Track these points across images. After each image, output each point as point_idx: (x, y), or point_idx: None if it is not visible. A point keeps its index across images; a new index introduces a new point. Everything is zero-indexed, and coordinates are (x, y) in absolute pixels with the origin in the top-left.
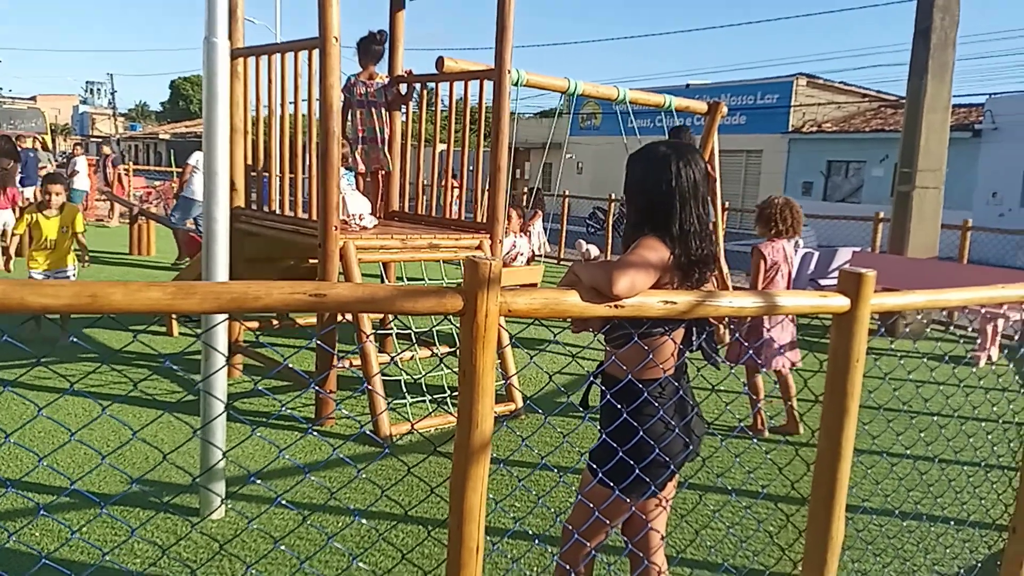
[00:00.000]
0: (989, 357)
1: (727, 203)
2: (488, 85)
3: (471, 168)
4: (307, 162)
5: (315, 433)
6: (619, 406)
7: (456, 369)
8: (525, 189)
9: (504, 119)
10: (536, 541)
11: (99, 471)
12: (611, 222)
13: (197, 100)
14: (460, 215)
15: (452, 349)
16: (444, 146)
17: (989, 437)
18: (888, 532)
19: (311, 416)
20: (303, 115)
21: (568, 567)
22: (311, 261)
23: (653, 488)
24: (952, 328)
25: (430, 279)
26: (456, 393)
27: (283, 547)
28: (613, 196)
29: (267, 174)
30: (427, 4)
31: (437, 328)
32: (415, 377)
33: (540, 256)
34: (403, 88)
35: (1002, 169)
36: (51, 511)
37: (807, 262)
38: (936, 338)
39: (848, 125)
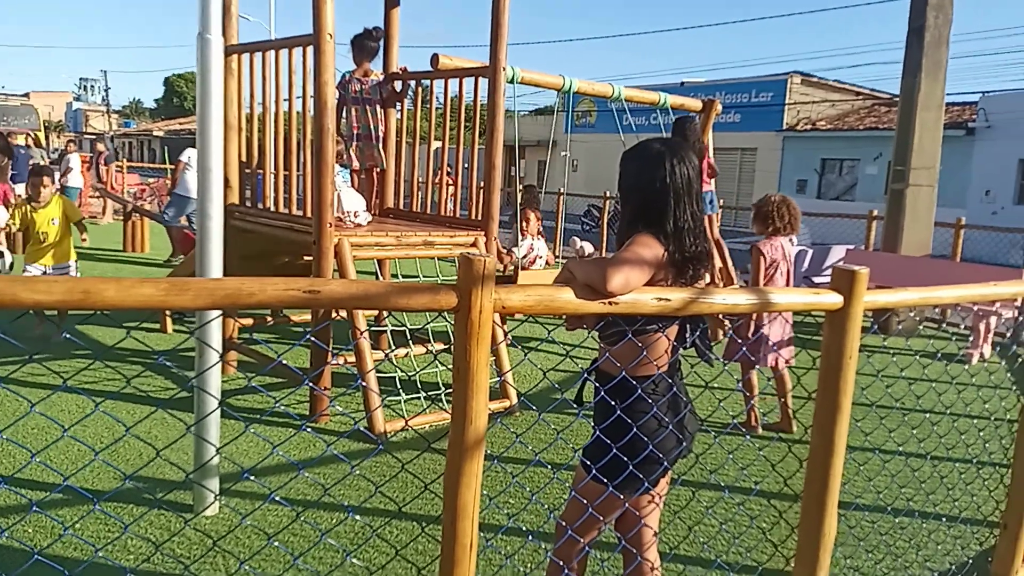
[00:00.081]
0: (982, 355)
1: (722, 200)
2: (483, 82)
3: (466, 165)
4: (301, 159)
5: (309, 430)
6: (613, 403)
7: (451, 366)
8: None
9: (499, 116)
10: (530, 537)
11: (92, 467)
12: (606, 219)
13: (191, 97)
14: (455, 212)
15: (447, 346)
16: (439, 143)
17: (981, 434)
18: (880, 528)
19: (305, 413)
20: (297, 112)
21: (562, 563)
22: (306, 258)
23: (646, 484)
24: (945, 326)
25: (425, 276)
26: (450, 390)
27: (277, 543)
28: (608, 193)
29: (261, 171)
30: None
31: (432, 325)
32: (409, 374)
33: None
34: (398, 85)
35: (995, 167)
36: (44, 507)
37: (801, 260)
38: (929, 335)
39: (842, 123)
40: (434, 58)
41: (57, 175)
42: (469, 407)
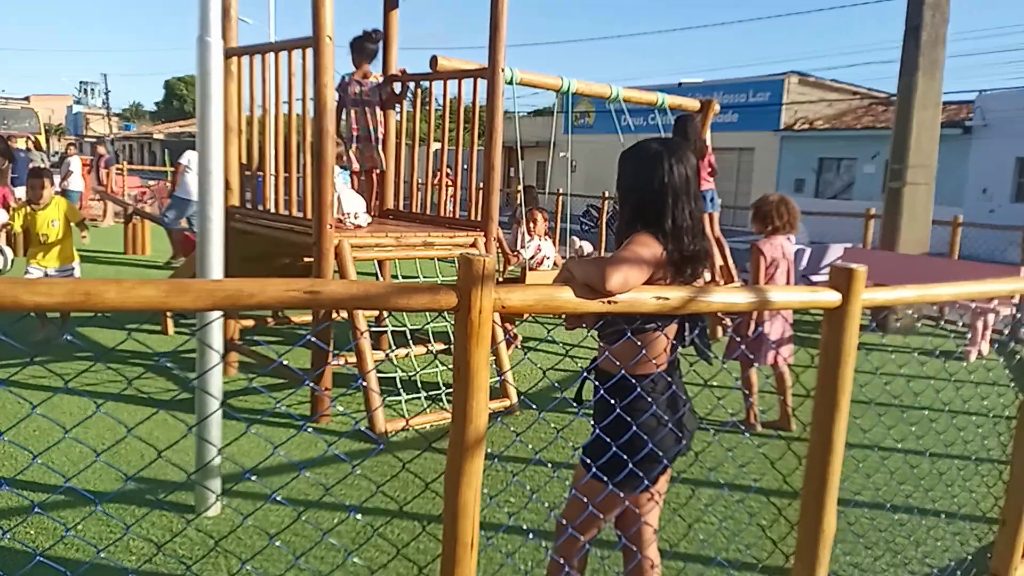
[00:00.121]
0: (979, 352)
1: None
2: (482, 84)
3: (465, 167)
4: (301, 161)
5: (310, 430)
6: (612, 401)
7: (451, 365)
8: (518, 187)
9: (498, 117)
10: (530, 536)
11: (94, 469)
12: (604, 219)
13: (191, 100)
14: (455, 213)
15: (447, 345)
16: (439, 145)
17: (979, 431)
18: (879, 525)
19: (306, 413)
20: (297, 114)
21: (562, 561)
22: (306, 259)
23: (646, 482)
24: (943, 323)
25: (425, 277)
26: (451, 389)
27: (278, 543)
28: (607, 194)
29: (261, 173)
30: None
31: (432, 326)
32: (410, 374)
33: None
34: (397, 87)
35: (992, 165)
36: (46, 509)
37: (799, 258)
38: (927, 333)
39: (839, 122)
40: (433, 60)
41: (58, 179)
42: (469, 406)
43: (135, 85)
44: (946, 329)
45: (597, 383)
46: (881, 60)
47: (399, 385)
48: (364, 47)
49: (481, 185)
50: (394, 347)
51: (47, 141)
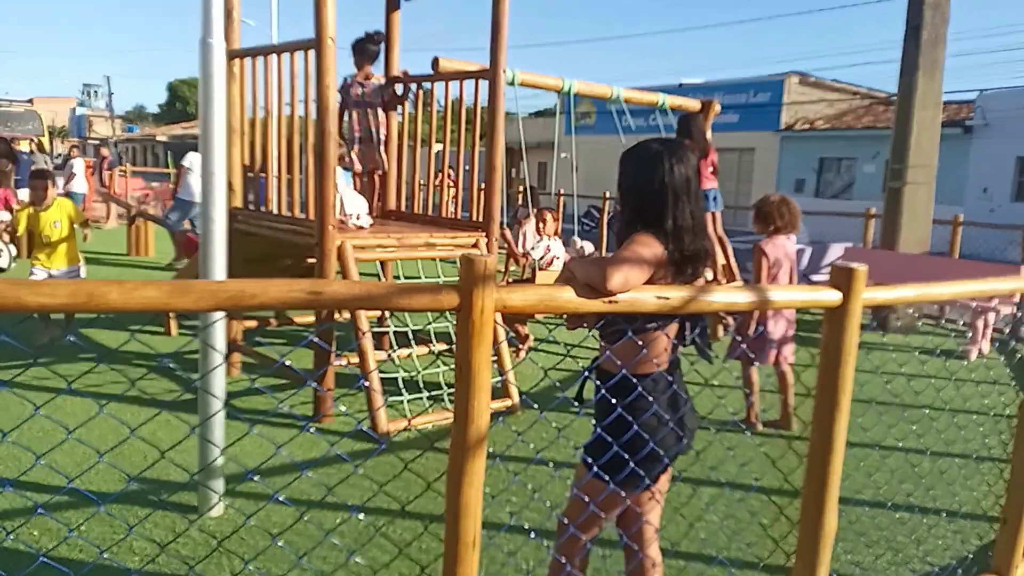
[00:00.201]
0: (980, 351)
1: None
2: (483, 85)
3: (467, 167)
4: (304, 162)
5: (313, 430)
6: (613, 401)
7: (453, 366)
8: (520, 188)
9: (499, 118)
10: (532, 535)
11: (97, 470)
12: (605, 220)
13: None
14: (456, 214)
15: (449, 346)
16: (440, 146)
17: (980, 430)
18: (880, 524)
19: (309, 413)
20: (299, 116)
21: (564, 560)
22: (309, 261)
23: (647, 481)
24: (943, 322)
25: (427, 278)
26: (453, 389)
27: (281, 543)
28: (608, 194)
29: (264, 174)
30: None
31: (434, 326)
32: (412, 374)
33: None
34: (399, 88)
35: (993, 165)
36: (49, 510)
37: (800, 258)
38: (927, 332)
39: (840, 122)
40: (434, 61)
41: (61, 181)
42: (471, 406)
43: (138, 87)
44: (947, 328)
45: (598, 382)
46: (881, 60)
47: (401, 385)
48: (366, 49)
49: (483, 186)
50: (396, 347)
51: (50, 143)
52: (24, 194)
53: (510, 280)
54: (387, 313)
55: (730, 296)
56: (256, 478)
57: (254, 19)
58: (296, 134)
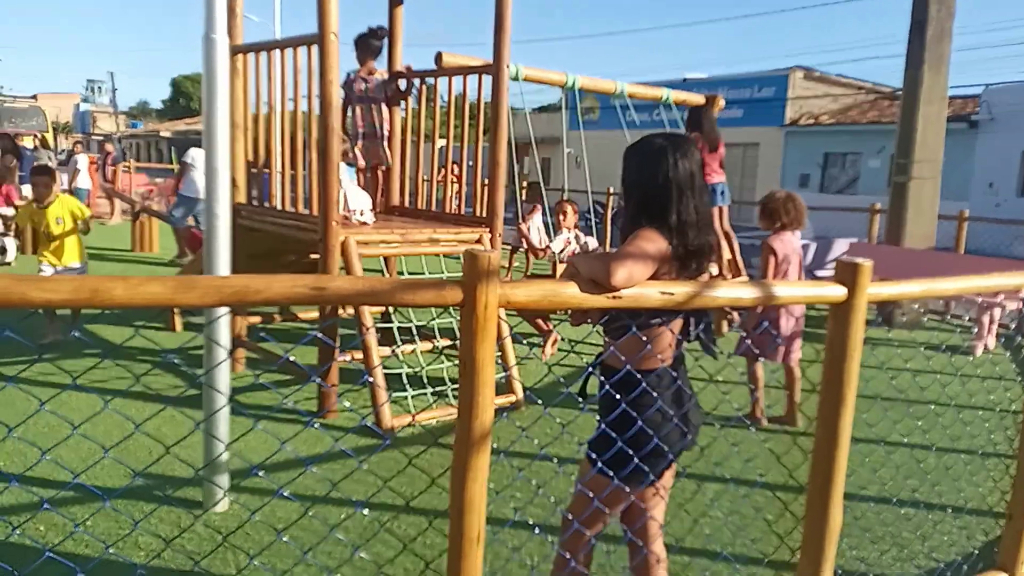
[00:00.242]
0: (986, 346)
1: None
2: (487, 80)
3: (471, 163)
4: (307, 158)
5: (317, 425)
6: (617, 396)
7: (457, 361)
8: (524, 183)
9: (503, 114)
10: (536, 531)
11: (102, 465)
12: (609, 215)
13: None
14: (460, 209)
15: (453, 342)
16: (444, 141)
17: (986, 425)
18: (885, 520)
19: (313, 409)
20: (303, 111)
21: (568, 556)
22: (313, 256)
23: (651, 477)
24: (949, 318)
25: (430, 274)
26: (457, 385)
27: (286, 538)
28: (612, 190)
29: (268, 170)
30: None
31: (438, 321)
32: (416, 370)
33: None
34: (402, 84)
35: (998, 159)
36: (54, 505)
37: (804, 254)
38: (933, 328)
39: (845, 117)
40: (438, 56)
41: (66, 177)
42: (475, 402)
43: (142, 83)
44: (952, 324)
45: (602, 378)
46: (886, 55)
47: (405, 381)
48: (369, 44)
49: (486, 181)
50: (400, 343)
51: (54, 139)
52: (28, 190)
53: (528, 275)
54: (391, 309)
55: (735, 292)
56: (261, 473)
57: (258, 15)
58: (300, 130)
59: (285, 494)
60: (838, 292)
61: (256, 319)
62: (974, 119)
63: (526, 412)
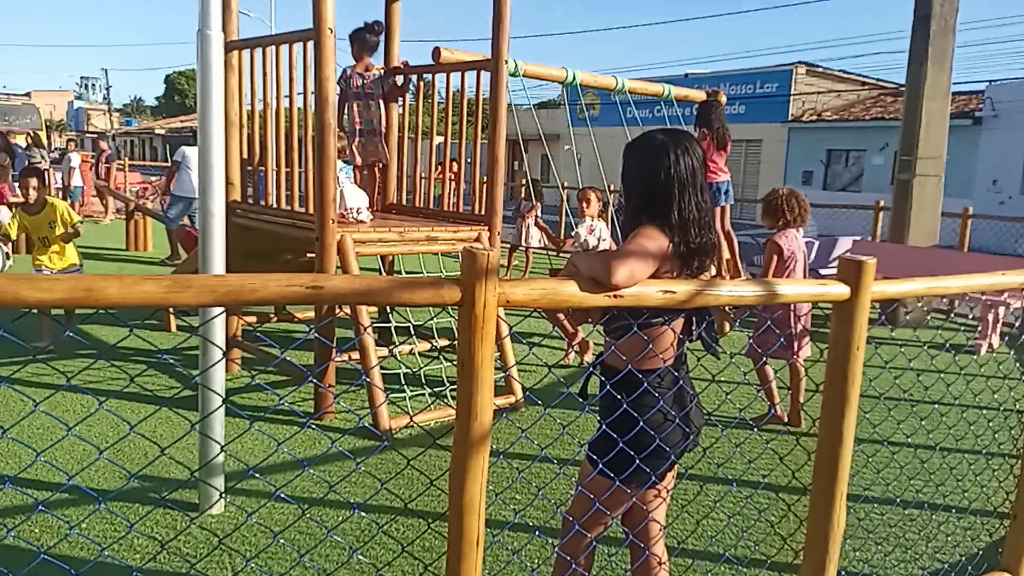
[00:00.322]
0: (990, 345)
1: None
2: (485, 76)
3: (468, 160)
4: (303, 155)
5: (314, 427)
6: (618, 397)
7: (455, 361)
8: (523, 181)
9: (501, 110)
10: (536, 533)
11: (97, 466)
12: (611, 212)
13: (192, 94)
14: (458, 207)
15: (451, 341)
16: (441, 138)
17: (990, 425)
18: (889, 520)
19: (310, 410)
20: (299, 108)
21: (569, 558)
22: (309, 255)
23: (652, 478)
24: (953, 316)
25: (428, 273)
26: (455, 386)
27: (282, 541)
28: (612, 187)
29: (263, 168)
30: None
31: (436, 321)
32: (414, 370)
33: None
34: (399, 79)
35: (1002, 157)
36: (49, 507)
37: (807, 251)
38: (937, 326)
39: (848, 114)
40: (435, 52)
41: (59, 175)
42: (474, 403)
43: (136, 80)
44: (956, 322)
45: (603, 378)
46: (890, 50)
47: (403, 381)
48: (365, 39)
49: (485, 179)
50: (398, 343)
51: (48, 137)
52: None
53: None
54: (388, 308)
55: (737, 290)
56: (257, 475)
57: (252, 10)
58: (295, 127)
59: (282, 496)
60: (841, 290)
61: (252, 319)
62: (978, 116)
63: (526, 413)
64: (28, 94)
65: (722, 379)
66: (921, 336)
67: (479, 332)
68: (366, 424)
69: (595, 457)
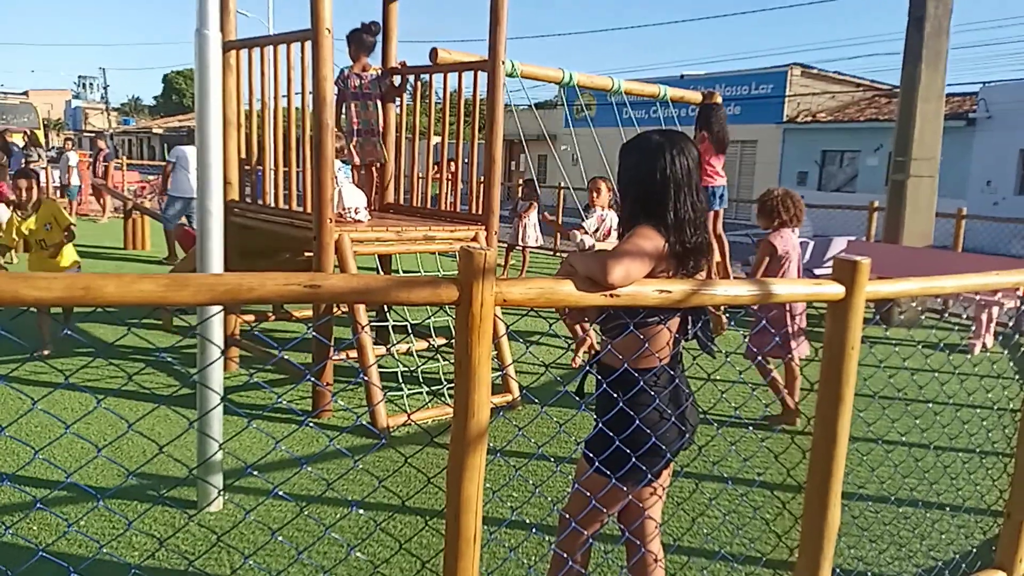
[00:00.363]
0: (984, 345)
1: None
2: (482, 77)
3: (466, 160)
4: (301, 155)
5: (312, 425)
6: (614, 395)
7: (452, 360)
8: (520, 180)
9: (498, 110)
10: (533, 530)
11: (95, 464)
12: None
13: (190, 94)
14: (455, 207)
15: (448, 340)
16: (439, 138)
17: (984, 423)
18: (884, 518)
19: (308, 408)
20: (297, 108)
21: (565, 555)
22: (307, 254)
23: (648, 476)
24: (947, 316)
25: (426, 272)
26: (452, 384)
27: (281, 538)
28: (609, 185)
29: (261, 167)
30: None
31: (434, 320)
32: (412, 369)
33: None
34: (397, 80)
35: (996, 158)
36: (48, 504)
37: (802, 252)
38: (931, 326)
39: (843, 115)
40: (433, 52)
41: (57, 174)
42: (471, 401)
43: (134, 79)
44: (950, 322)
45: (599, 377)
46: (884, 52)
47: (401, 380)
48: (362, 39)
49: (482, 179)
50: (395, 342)
51: (46, 136)
52: None
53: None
54: (386, 307)
55: (733, 290)
56: (255, 473)
57: (250, 10)
58: (293, 126)
59: (280, 494)
60: (836, 290)
61: (250, 317)
62: (972, 117)
63: (523, 411)
64: (26, 93)
65: (717, 378)
66: (915, 336)
67: (476, 331)
68: (364, 422)
69: (592, 455)
